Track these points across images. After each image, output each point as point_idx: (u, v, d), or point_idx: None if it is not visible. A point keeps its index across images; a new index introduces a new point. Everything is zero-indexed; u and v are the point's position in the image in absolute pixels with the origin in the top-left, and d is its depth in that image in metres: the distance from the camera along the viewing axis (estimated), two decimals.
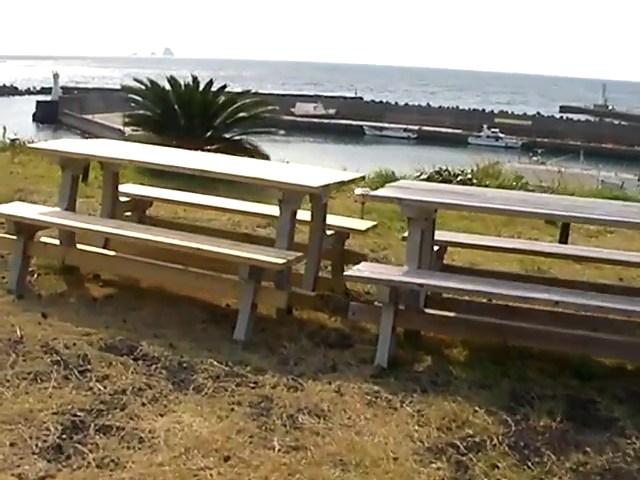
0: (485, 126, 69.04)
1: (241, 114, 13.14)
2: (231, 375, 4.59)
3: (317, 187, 5.55)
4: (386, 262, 7.22)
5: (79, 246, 6.03)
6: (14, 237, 5.81)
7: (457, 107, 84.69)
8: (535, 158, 48.55)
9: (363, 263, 5.51)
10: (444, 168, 13.12)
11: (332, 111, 76.94)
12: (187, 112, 12.86)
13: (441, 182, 12.55)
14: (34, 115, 68.61)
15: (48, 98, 71.80)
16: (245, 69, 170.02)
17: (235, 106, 13.06)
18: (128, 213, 6.78)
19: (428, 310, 5.47)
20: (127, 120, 14.19)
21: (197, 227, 7.23)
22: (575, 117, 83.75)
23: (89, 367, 4.55)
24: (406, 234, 6.37)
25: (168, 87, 13.40)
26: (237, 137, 13.22)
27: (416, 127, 71.06)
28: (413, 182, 7.51)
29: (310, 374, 4.71)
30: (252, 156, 12.17)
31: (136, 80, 14.10)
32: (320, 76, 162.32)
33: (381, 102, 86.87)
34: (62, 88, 74.02)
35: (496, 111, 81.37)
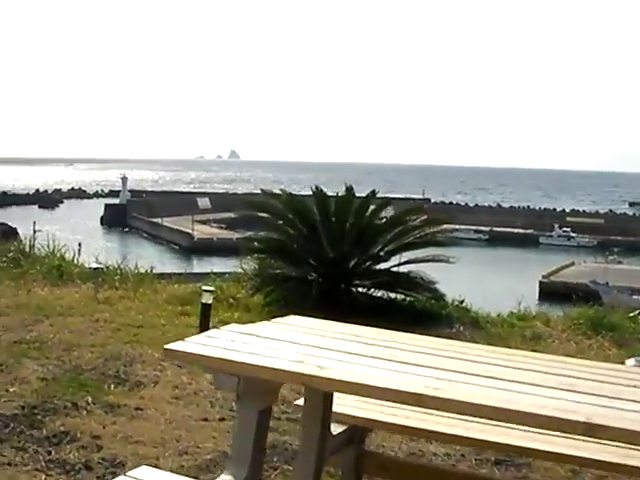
0: (556, 225, 68.18)
1: (411, 238, 9.71)
2: None
3: None
4: None
5: None
6: None
7: (528, 207, 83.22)
8: (611, 257, 46.62)
9: None
10: None
11: None
12: (336, 236, 9.47)
13: None
14: (102, 218, 68.30)
15: (116, 201, 71.64)
16: (302, 172, 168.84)
17: (402, 228, 9.71)
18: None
19: None
20: (251, 245, 10.36)
21: None
22: None
23: None
24: None
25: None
26: (396, 268, 9.77)
27: (487, 228, 69.36)
28: None
29: None
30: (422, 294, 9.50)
31: (263, 191, 11.14)
32: (385, 177, 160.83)
33: (450, 203, 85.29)
34: (130, 191, 73.82)
35: (567, 210, 79.89)
